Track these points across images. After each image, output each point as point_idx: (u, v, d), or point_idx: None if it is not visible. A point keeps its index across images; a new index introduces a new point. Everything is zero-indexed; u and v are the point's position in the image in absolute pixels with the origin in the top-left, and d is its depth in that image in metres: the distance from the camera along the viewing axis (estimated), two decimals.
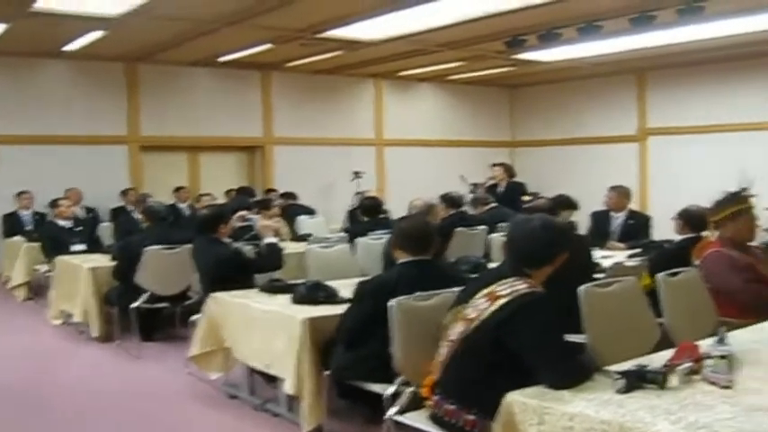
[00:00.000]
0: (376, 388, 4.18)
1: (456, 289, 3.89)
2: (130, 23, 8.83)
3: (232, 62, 11.48)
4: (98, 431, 5.13)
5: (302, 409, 4.70)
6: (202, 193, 10.82)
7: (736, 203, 5.02)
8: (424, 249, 4.39)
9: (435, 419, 3.37)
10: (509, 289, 3.15)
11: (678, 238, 5.85)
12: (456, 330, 3.25)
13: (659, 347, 3.55)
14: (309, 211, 10.93)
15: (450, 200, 8.36)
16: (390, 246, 4.53)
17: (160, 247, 6.96)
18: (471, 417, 3.20)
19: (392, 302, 3.87)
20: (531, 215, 3.52)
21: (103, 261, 7.61)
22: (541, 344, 3.04)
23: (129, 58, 11.30)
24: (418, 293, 4.01)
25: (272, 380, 5.54)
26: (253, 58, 11.15)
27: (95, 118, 11.34)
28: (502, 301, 3.13)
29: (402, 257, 4.39)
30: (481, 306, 3.18)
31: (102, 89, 11.38)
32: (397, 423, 3.84)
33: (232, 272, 5.90)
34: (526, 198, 9.61)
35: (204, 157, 12.43)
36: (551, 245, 3.32)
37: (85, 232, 9.25)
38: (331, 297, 5.01)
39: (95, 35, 9.51)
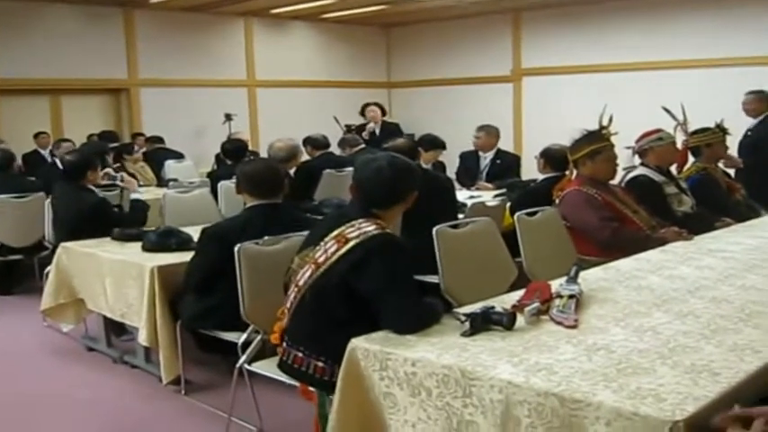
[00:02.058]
0: (228, 337, 4.07)
1: (306, 232, 3.78)
2: None
3: None
4: None
5: (160, 361, 4.57)
6: (62, 138, 10.30)
7: (594, 142, 5.02)
8: (270, 193, 4.25)
9: (284, 367, 3.26)
10: (357, 231, 3.04)
11: (541, 177, 5.85)
12: (304, 275, 3.13)
13: (519, 287, 3.50)
14: (177, 156, 10.60)
15: (315, 142, 8.20)
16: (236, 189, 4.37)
17: (8, 196, 6.61)
18: (320, 363, 3.10)
19: (237, 248, 3.72)
20: (375, 155, 3.40)
21: None
22: (389, 288, 2.93)
23: None
24: (266, 238, 3.87)
25: (120, 332, 5.41)
26: None
27: None
28: (351, 243, 3.02)
29: (249, 201, 4.24)
30: (330, 249, 3.06)
31: None
32: (251, 372, 3.75)
33: (96, 222, 5.61)
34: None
35: (67, 100, 11.75)
36: (398, 184, 3.21)
37: None
38: (184, 244, 4.82)
39: None
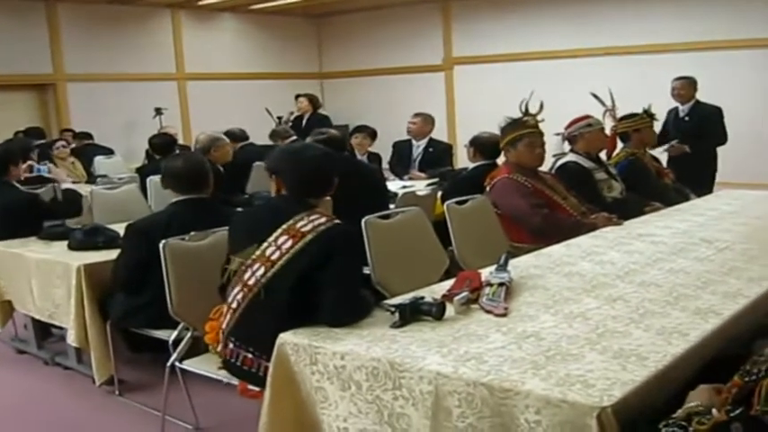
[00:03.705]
0: (159, 334, 4.00)
1: None
2: None
3: None
4: None
5: (92, 362, 4.47)
6: None
7: (517, 129, 5.02)
8: (194, 187, 4.18)
9: (232, 368, 3.17)
10: (310, 225, 3.00)
11: (472, 165, 5.84)
12: (255, 273, 3.03)
13: (452, 276, 3.49)
14: (107, 151, 10.42)
15: (233, 135, 8.10)
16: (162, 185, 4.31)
17: None
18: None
19: (162, 243, 3.64)
20: (293, 146, 3.38)
21: None
22: (344, 280, 2.92)
23: None
24: (192, 233, 3.81)
25: (45, 335, 5.34)
26: None
27: None
28: (308, 237, 2.97)
29: (174, 197, 4.18)
30: (284, 246, 2.99)
31: None
32: (184, 369, 3.68)
33: (28, 218, 5.38)
34: None
35: None
36: (328, 170, 3.23)
37: None
38: (111, 241, 4.71)
39: None
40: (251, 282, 3.04)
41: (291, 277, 2.96)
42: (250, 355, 3.09)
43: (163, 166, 4.30)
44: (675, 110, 8.00)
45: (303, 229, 2.99)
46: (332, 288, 2.88)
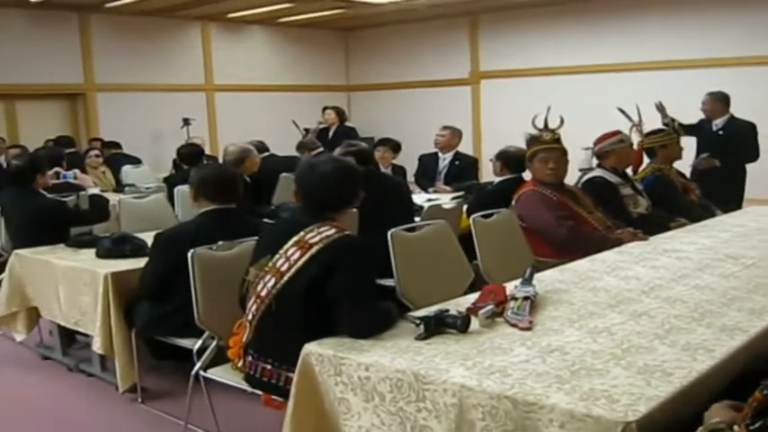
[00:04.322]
0: (184, 343, 4.02)
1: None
2: None
3: (45, 2, 10.75)
4: None
5: (116, 369, 4.51)
6: (11, 145, 10.13)
7: (532, 145, 5.01)
8: (224, 197, 4.20)
9: (252, 381, 3.20)
10: (318, 236, 3.02)
11: (498, 179, 5.84)
12: (266, 285, 3.07)
13: (477, 289, 3.48)
14: (135, 161, 10.50)
15: (256, 148, 8.14)
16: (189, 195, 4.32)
17: None
18: (291, 374, 2.99)
19: (190, 253, 3.67)
20: (317, 160, 3.39)
21: None
22: (353, 292, 2.92)
23: None
24: (220, 243, 3.83)
25: (70, 342, 5.37)
26: None
27: None
28: (315, 248, 2.99)
29: (203, 206, 4.20)
30: (293, 257, 3.02)
31: None
32: (207, 378, 3.69)
33: (55, 225, 5.51)
34: None
35: (22, 106, 11.64)
36: (346, 186, 3.23)
37: None
38: (138, 250, 4.75)
39: None
40: (263, 293, 3.08)
41: (300, 288, 2.98)
42: (269, 366, 3.12)
43: (193, 175, 4.31)
44: (710, 123, 7.97)
45: (311, 241, 3.02)
46: (344, 301, 2.90)
